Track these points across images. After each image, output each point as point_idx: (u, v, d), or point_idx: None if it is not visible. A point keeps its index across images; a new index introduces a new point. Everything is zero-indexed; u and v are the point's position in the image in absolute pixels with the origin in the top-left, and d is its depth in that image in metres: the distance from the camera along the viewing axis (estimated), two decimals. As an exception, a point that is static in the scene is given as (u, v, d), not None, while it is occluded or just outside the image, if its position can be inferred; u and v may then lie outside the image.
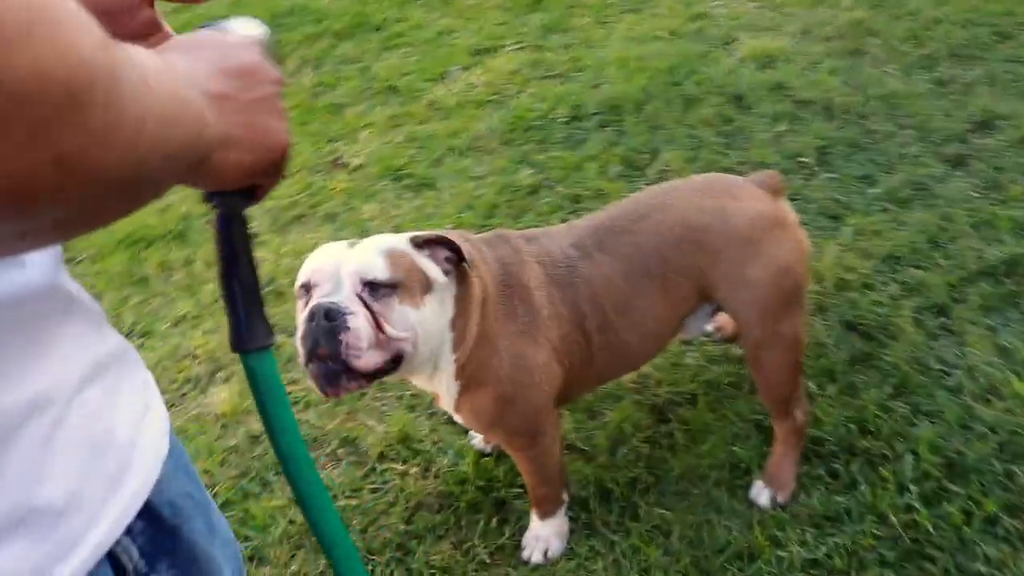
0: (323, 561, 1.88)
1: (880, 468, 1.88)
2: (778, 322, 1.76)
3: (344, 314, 1.45)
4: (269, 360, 0.86)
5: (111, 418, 0.64)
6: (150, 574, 0.67)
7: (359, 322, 1.45)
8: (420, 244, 1.57)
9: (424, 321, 1.54)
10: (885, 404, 2.01)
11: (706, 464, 1.95)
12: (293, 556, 1.90)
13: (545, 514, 1.84)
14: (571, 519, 1.88)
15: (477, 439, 2.08)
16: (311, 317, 1.45)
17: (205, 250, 2.82)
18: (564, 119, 3.25)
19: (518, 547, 1.85)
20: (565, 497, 1.86)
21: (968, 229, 2.48)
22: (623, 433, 2.04)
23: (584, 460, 2.00)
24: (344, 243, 1.57)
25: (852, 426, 1.97)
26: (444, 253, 1.57)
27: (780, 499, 1.85)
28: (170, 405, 2.30)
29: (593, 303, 1.72)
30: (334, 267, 1.51)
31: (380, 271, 1.49)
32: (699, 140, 3.02)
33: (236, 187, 0.72)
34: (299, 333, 1.47)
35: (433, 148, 3.21)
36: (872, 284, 2.34)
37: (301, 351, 1.47)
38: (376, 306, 1.48)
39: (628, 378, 2.17)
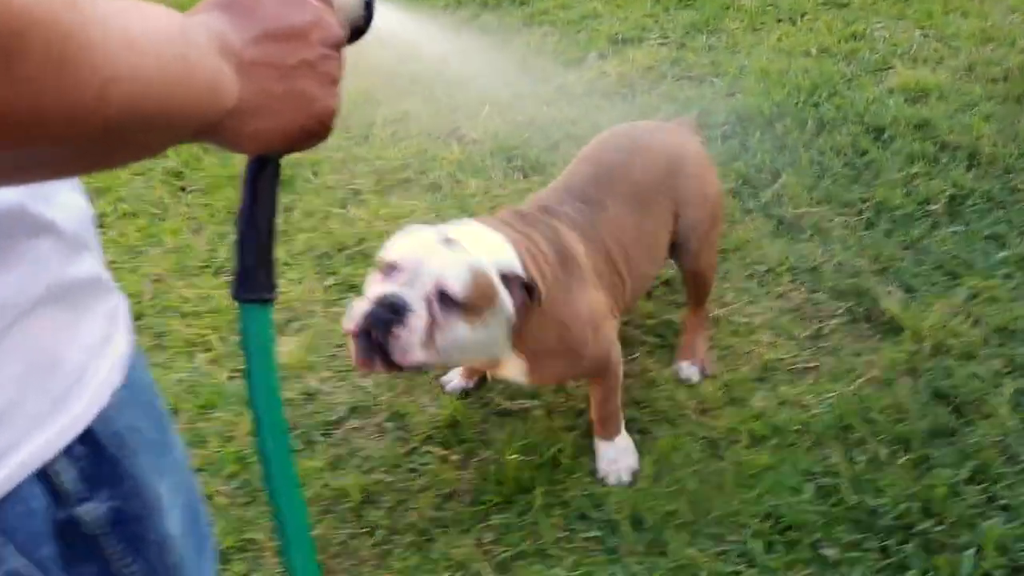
0: (346, 531, 1.88)
1: (936, 556, 1.74)
2: (710, 231, 2.12)
3: (408, 312, 1.52)
4: (266, 316, 0.83)
5: (63, 342, 0.64)
6: (89, 500, 0.67)
7: (417, 324, 1.53)
8: (506, 278, 1.64)
9: (476, 340, 1.62)
10: (957, 487, 1.86)
11: (750, 512, 1.85)
12: (320, 520, 1.91)
13: (612, 433, 1.96)
14: (597, 540, 1.83)
15: (453, 383, 2.16)
16: (379, 302, 1.53)
17: (306, 200, 2.86)
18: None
19: (539, 554, 1.81)
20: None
21: (1098, 313, 2.27)
22: (671, 461, 1.96)
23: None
24: (440, 235, 1.64)
25: (916, 504, 1.83)
26: (521, 296, 1.66)
27: (707, 371, 2.18)
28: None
29: (618, 245, 1.92)
30: (420, 261, 1.58)
31: (459, 288, 1.56)
32: (824, 168, 2.86)
33: (268, 151, 0.71)
34: (362, 304, 1.54)
35: (551, 133, 3.15)
36: (975, 355, 2.17)
37: (355, 319, 1.53)
38: (439, 316, 1.55)
39: (687, 403, 2.09)
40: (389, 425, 2.11)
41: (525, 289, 1.65)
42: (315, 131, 0.71)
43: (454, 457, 2.03)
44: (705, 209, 2.08)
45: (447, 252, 1.59)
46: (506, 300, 1.64)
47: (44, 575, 0.63)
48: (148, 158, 0.61)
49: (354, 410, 2.15)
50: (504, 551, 1.82)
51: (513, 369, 1.80)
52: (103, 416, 0.68)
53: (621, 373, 1.94)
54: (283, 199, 2.90)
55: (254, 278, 0.81)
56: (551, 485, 1.93)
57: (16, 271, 0.60)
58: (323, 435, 2.10)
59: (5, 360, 0.59)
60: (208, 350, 2.33)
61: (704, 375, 2.18)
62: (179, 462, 0.83)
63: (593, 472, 1.97)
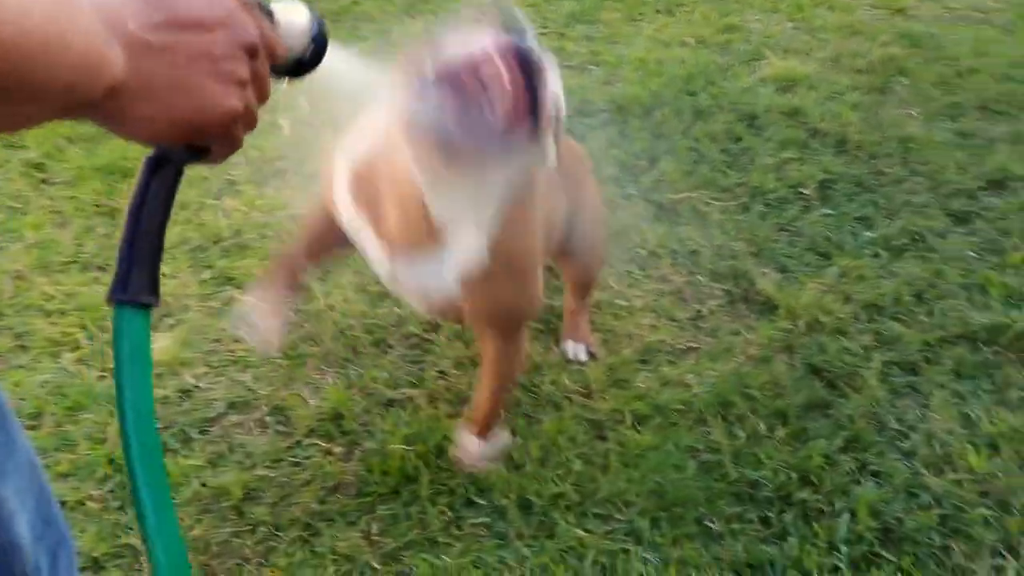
0: (227, 529, 1.81)
1: (814, 523, 1.80)
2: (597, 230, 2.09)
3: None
4: (143, 322, 0.78)
5: None
6: None
7: None
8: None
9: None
10: (832, 457, 1.93)
11: (635, 491, 1.87)
12: (199, 520, 1.83)
13: (489, 431, 1.87)
14: (486, 526, 1.81)
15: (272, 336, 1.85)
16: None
17: (179, 192, 2.75)
18: (568, 112, 3.15)
19: (427, 543, 1.78)
20: None
21: (958, 289, 2.39)
22: (557, 445, 1.96)
23: (511, 467, 1.93)
24: None
25: (794, 475, 1.89)
26: None
27: (592, 350, 2.20)
28: (110, 345, 2.24)
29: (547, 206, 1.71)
30: None
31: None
32: (701, 155, 2.93)
33: (155, 140, 0.68)
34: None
35: (432, 122, 3.13)
36: (846, 331, 2.25)
37: None
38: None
39: (572, 387, 2.10)
40: (270, 420, 2.05)
41: None
42: (209, 129, 0.67)
43: (337, 449, 1.98)
44: (595, 208, 2.06)
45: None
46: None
47: None
48: (13, 130, 0.57)
49: (233, 405, 2.08)
50: (391, 542, 1.79)
51: (456, 259, 1.49)
52: None
53: (524, 358, 1.86)
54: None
55: (135, 280, 0.76)
56: (437, 474, 1.90)
57: None
58: (200, 432, 2.02)
59: None
60: (75, 349, 2.21)
61: (590, 354, 2.20)
62: (26, 464, 0.78)
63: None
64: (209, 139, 0.70)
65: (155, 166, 0.76)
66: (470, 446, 1.89)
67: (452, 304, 1.59)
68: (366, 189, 1.53)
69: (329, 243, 1.81)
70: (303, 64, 0.82)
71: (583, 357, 2.19)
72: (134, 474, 0.79)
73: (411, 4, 4.04)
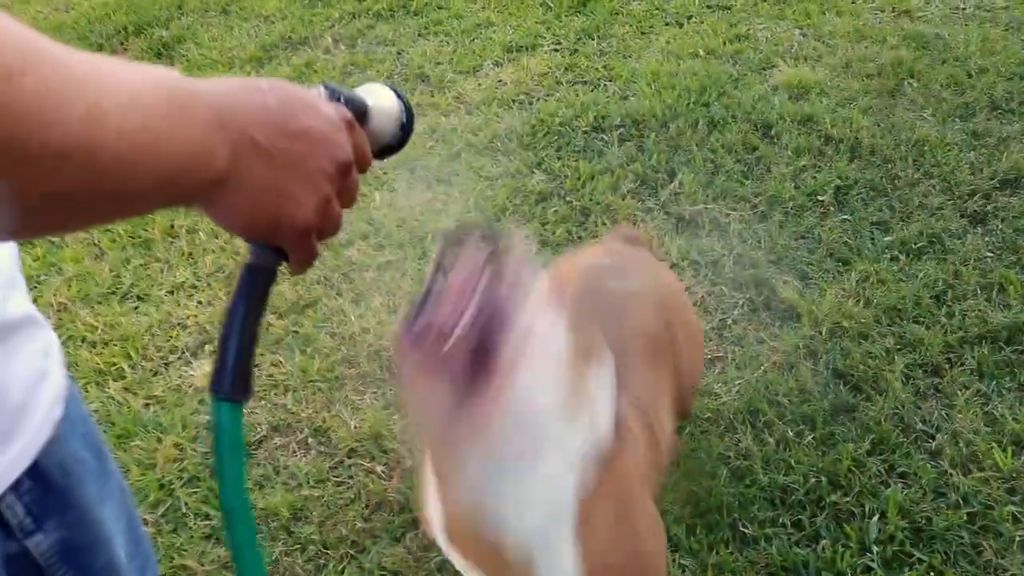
0: (279, 549, 1.89)
1: (845, 525, 1.85)
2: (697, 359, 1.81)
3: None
4: (238, 415, 0.84)
5: (4, 379, 0.66)
6: (37, 532, 0.70)
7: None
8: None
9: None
10: (861, 460, 1.98)
11: (670, 499, 1.93)
12: (249, 540, 1.90)
13: None
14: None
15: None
16: None
17: (210, 221, 2.83)
18: (586, 128, 3.22)
19: (471, 559, 1.84)
20: None
21: (976, 289, 2.43)
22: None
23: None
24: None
25: (823, 478, 1.94)
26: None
27: None
28: (153, 373, 2.32)
29: (650, 408, 1.42)
30: None
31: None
32: (718, 166, 2.98)
33: (231, 231, 0.70)
34: None
35: (452, 142, 3.20)
36: (868, 335, 2.30)
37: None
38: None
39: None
40: (312, 441, 2.12)
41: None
42: (284, 233, 0.69)
43: (379, 468, 2.04)
44: (699, 351, 1.85)
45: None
46: (601, 391, 1.04)
47: None
48: (135, 216, 0.60)
49: (276, 428, 2.15)
50: (436, 556, 1.85)
51: None
52: (47, 449, 0.70)
53: None
54: (187, 221, 2.87)
55: (237, 379, 0.81)
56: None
57: None
58: (246, 456, 2.08)
59: None
60: (120, 378, 2.29)
61: None
62: (118, 488, 0.85)
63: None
64: (283, 242, 0.71)
65: (251, 271, 0.78)
66: None
67: None
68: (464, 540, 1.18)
69: None
70: (391, 148, 0.83)
71: None
72: (235, 544, 0.86)
73: (424, 27, 4.11)
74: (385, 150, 0.83)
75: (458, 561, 1.20)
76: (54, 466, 0.72)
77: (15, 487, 0.67)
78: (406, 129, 0.83)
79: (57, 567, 0.73)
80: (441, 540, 1.21)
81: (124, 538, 0.85)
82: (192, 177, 0.58)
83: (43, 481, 0.70)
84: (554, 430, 0.98)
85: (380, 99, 0.79)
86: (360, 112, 0.77)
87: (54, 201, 0.49)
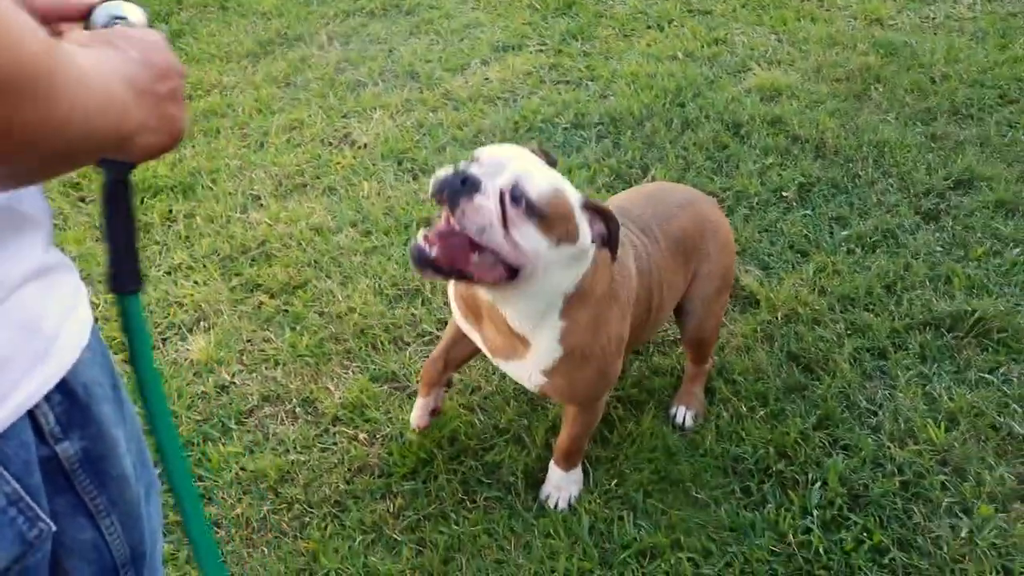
0: (265, 507, 2.03)
1: (790, 491, 2.02)
2: (714, 302, 2.13)
3: (478, 190, 1.47)
4: (137, 303, 1.04)
5: (42, 310, 0.80)
6: (63, 440, 0.83)
7: (487, 204, 1.47)
8: (586, 207, 1.61)
9: (549, 262, 1.57)
10: (807, 433, 2.14)
11: (630, 466, 2.09)
12: (240, 499, 2.05)
13: (571, 466, 2.01)
14: (496, 500, 2.03)
15: (418, 419, 2.17)
16: (453, 172, 1.49)
17: (206, 206, 2.98)
18: (566, 125, 3.38)
19: (443, 516, 2.00)
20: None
21: (925, 280, 2.60)
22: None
23: (520, 447, 2.15)
24: (537, 158, 1.62)
25: (772, 449, 2.10)
26: (600, 228, 1.62)
27: (699, 419, 2.20)
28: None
29: (659, 285, 1.95)
30: (504, 162, 1.53)
31: (537, 194, 1.50)
32: (689, 162, 3.14)
33: (146, 160, 0.89)
34: (440, 172, 1.51)
35: (438, 136, 3.35)
36: (822, 320, 2.47)
37: (432, 187, 1.50)
38: (512, 213, 1.50)
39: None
40: (300, 410, 2.27)
41: (607, 228, 1.62)
42: (173, 145, 0.88)
43: (362, 436, 2.19)
44: (715, 281, 2.10)
45: (536, 168, 1.55)
46: (585, 229, 1.59)
47: (33, 499, 0.79)
48: (71, 171, 0.79)
49: (266, 398, 2.30)
50: (412, 515, 2.01)
51: (540, 356, 1.74)
52: (74, 369, 0.84)
53: (601, 414, 1.99)
54: (184, 206, 3.01)
55: (130, 274, 1.00)
56: (450, 456, 2.12)
57: (8, 254, 0.76)
58: (237, 423, 2.23)
59: (8, 322, 0.76)
60: (122, 351, 2.43)
61: (696, 422, 2.20)
62: (130, 416, 0.99)
63: (489, 448, 2.16)
64: (167, 151, 0.92)
65: (115, 185, 0.97)
66: (555, 476, 2.03)
67: (542, 389, 1.84)
68: (470, 306, 1.83)
69: (462, 353, 2.09)
70: None
71: (690, 423, 2.19)
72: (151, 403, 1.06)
73: (416, 26, 4.26)
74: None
75: (470, 330, 1.88)
76: (79, 385, 0.85)
77: (48, 398, 0.81)
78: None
79: (79, 472, 0.88)
80: (456, 309, 1.88)
81: (134, 459, 1.00)
82: (121, 128, 0.76)
83: (70, 396, 0.83)
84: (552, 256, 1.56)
85: (134, 12, 0.94)
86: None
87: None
